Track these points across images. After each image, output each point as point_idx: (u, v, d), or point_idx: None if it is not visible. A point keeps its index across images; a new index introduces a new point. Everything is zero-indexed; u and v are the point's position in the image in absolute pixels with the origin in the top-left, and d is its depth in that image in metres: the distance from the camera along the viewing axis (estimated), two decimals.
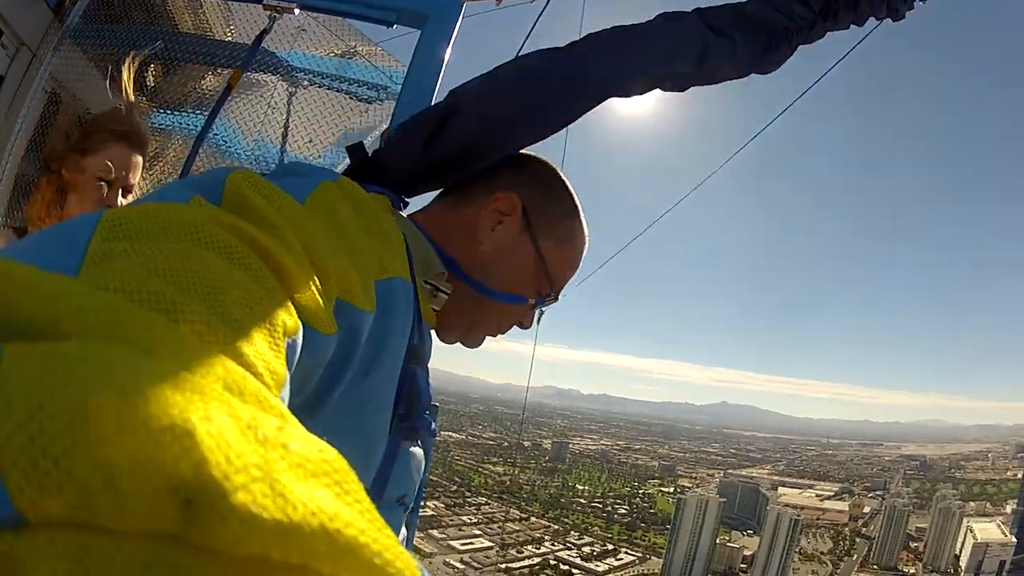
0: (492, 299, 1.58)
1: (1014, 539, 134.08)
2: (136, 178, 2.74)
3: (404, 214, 1.60)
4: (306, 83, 5.06)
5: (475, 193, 1.60)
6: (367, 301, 1.02)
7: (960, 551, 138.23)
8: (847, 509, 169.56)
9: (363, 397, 1.10)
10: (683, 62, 1.88)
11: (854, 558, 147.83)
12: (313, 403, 0.98)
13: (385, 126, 4.57)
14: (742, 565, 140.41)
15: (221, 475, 0.39)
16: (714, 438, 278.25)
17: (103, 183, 2.60)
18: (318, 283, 0.86)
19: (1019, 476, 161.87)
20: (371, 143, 5.27)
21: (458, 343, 1.68)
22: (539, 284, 1.62)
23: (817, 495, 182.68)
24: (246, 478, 0.40)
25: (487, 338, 1.70)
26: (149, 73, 4.64)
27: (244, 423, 0.44)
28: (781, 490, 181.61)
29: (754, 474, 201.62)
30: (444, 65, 3.82)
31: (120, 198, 2.66)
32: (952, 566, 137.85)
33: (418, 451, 1.33)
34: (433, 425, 1.45)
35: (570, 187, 1.70)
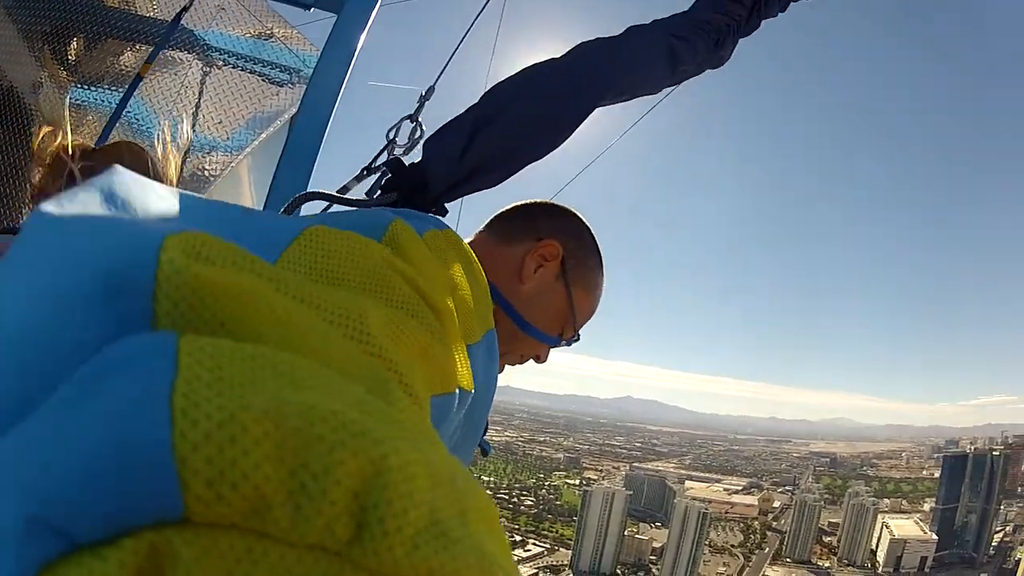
0: (531, 337, 1.74)
1: (935, 536, 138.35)
2: None
3: None
4: (220, 63, 5.13)
5: (519, 235, 1.75)
6: None
7: (876, 546, 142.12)
8: (756, 503, 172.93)
9: (463, 446, 1.24)
10: (658, 68, 2.17)
11: (766, 551, 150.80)
12: None
13: (294, 110, 4.65)
14: (651, 557, 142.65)
15: (401, 509, 0.43)
16: (619, 431, 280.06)
17: None
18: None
19: (936, 475, 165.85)
20: (278, 128, 5.33)
21: None
22: (564, 326, 1.79)
23: (725, 489, 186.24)
24: (419, 514, 0.44)
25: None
26: (71, 48, 4.64)
27: (427, 460, 0.47)
28: (688, 483, 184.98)
29: (660, 468, 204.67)
30: (357, 52, 3.89)
31: None
32: (869, 561, 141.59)
33: None
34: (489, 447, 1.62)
35: (597, 241, 1.88)
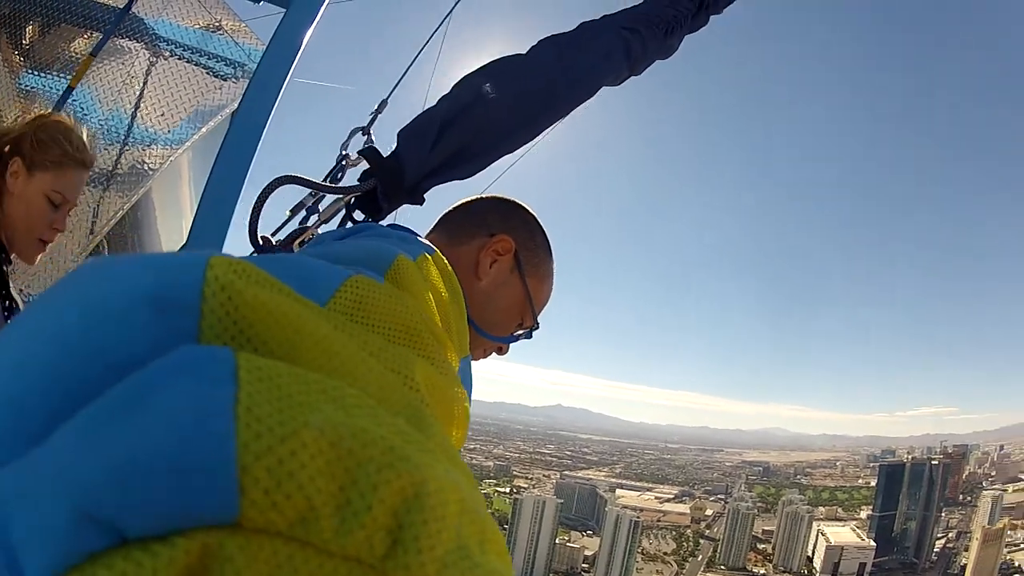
0: (491, 340, 1.86)
1: (873, 543, 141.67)
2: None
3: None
4: (167, 54, 5.16)
5: (470, 233, 1.81)
6: None
7: (813, 553, 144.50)
8: (688, 511, 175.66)
9: None
10: (617, 62, 2.34)
11: (699, 559, 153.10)
12: None
13: (236, 104, 4.64)
14: (584, 565, 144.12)
15: (435, 530, 0.51)
16: (549, 440, 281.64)
17: (52, 205, 2.60)
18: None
19: (872, 484, 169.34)
20: (218, 123, 5.37)
21: None
22: (524, 316, 1.88)
23: (656, 497, 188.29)
24: (449, 536, 0.51)
25: None
26: (26, 31, 4.69)
27: (459, 488, 0.55)
28: (619, 492, 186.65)
29: (591, 476, 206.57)
30: (302, 48, 3.88)
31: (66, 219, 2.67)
32: (805, 567, 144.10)
33: None
34: None
35: (545, 230, 1.96)
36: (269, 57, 3.96)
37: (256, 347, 0.60)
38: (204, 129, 5.40)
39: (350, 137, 2.32)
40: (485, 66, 2.18)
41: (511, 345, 1.99)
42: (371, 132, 2.33)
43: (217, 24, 5.35)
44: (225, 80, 5.36)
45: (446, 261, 1.40)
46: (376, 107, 2.67)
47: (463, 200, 1.96)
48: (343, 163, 2.26)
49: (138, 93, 5.09)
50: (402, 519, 0.50)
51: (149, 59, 5.08)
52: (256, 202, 1.91)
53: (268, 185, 1.91)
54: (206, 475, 0.45)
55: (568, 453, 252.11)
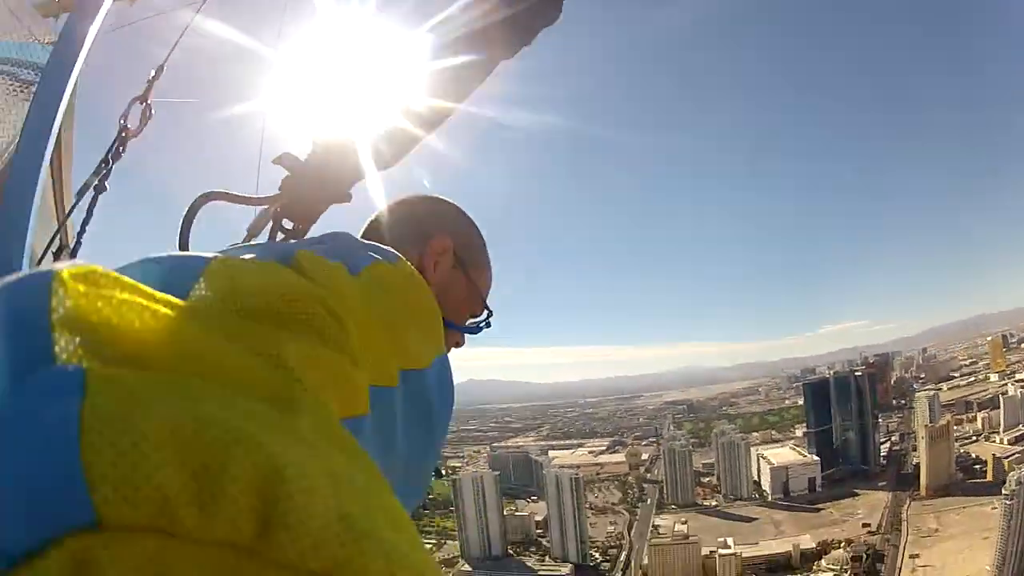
0: (457, 332, 1.89)
1: (816, 457, 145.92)
2: None
3: None
4: None
5: (409, 239, 1.81)
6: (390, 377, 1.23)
7: (759, 477, 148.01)
8: (625, 459, 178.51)
9: (416, 468, 1.42)
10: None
11: (649, 502, 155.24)
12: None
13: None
14: (538, 531, 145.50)
15: (302, 504, 0.51)
16: (471, 415, 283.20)
17: None
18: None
19: (800, 403, 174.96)
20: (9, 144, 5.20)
21: None
22: (474, 306, 1.94)
23: (590, 452, 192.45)
24: (321, 509, 0.52)
25: None
26: None
27: (322, 460, 0.58)
28: (552, 453, 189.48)
29: (520, 443, 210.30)
30: (86, 47, 3.83)
31: None
32: (755, 492, 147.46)
33: None
34: None
35: (473, 221, 2.02)
36: (55, 57, 3.87)
37: (105, 356, 0.61)
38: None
39: (129, 107, 2.35)
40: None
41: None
42: (149, 100, 2.38)
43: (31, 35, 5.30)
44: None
45: (409, 268, 1.52)
46: (153, 73, 2.65)
47: (392, 203, 2.01)
48: (123, 135, 2.30)
49: None
50: (266, 497, 0.50)
51: None
52: (183, 224, 1.89)
53: (192, 204, 1.90)
54: (58, 480, 0.47)
55: (492, 425, 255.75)
